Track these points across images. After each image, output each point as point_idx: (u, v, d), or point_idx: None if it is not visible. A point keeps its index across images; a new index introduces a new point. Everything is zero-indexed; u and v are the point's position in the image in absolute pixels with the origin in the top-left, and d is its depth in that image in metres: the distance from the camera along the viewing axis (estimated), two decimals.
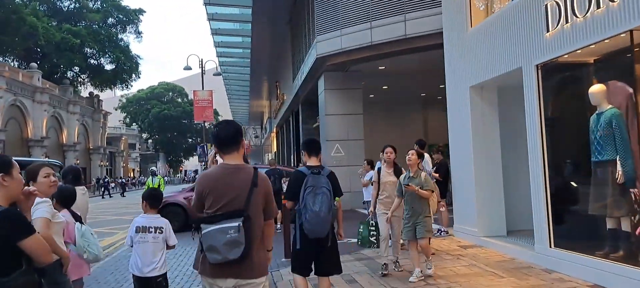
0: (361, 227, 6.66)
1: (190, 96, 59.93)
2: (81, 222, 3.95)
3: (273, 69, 30.28)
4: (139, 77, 57.00)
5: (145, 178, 35.93)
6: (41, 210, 3.02)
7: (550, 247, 6.29)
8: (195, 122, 35.01)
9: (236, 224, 2.73)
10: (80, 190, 4.45)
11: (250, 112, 49.75)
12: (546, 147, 6.42)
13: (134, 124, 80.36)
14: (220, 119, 79.70)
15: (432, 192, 6.18)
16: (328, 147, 15.29)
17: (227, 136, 2.98)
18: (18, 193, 2.52)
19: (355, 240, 6.95)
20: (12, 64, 43.09)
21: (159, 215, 4.57)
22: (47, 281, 2.56)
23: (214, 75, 28.92)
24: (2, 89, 33.84)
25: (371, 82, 15.93)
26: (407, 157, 6.18)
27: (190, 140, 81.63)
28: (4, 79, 34.07)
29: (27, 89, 38.72)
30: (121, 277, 7.50)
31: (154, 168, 20.60)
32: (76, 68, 51.62)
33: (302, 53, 19.05)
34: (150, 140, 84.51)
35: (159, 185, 17.50)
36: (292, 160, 26.12)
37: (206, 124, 30.75)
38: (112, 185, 46.19)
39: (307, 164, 4.40)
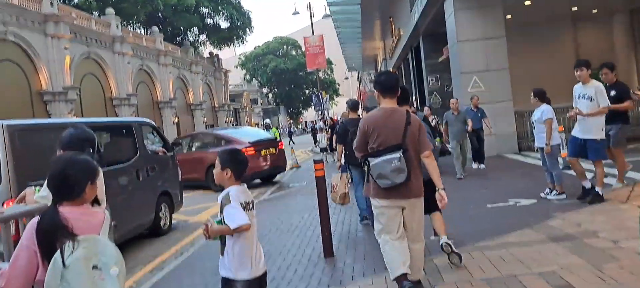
0: None
1: (304, 48, 59.34)
2: None
3: (385, 3, 27.44)
4: (252, 32, 57.51)
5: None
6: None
7: None
8: (307, 70, 33.71)
9: (398, 155, 3.39)
10: None
11: (363, 56, 47.41)
12: None
13: (253, 79, 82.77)
14: (333, 67, 78.71)
15: None
16: (463, 82, 12.67)
17: (388, 81, 3.65)
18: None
19: None
20: (136, 30, 45.49)
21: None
22: None
23: (322, 17, 27.02)
24: (129, 54, 35.60)
25: None
26: None
27: (307, 91, 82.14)
28: (129, 45, 35.76)
29: (152, 52, 40.55)
30: None
31: (267, 120, 19.61)
32: (195, 29, 53.33)
33: None
34: (270, 94, 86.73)
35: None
36: (414, 103, 23.58)
37: (320, 73, 29.30)
38: None
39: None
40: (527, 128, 13.37)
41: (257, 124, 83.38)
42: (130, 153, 6.66)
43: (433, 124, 10.27)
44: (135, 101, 36.18)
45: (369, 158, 3.49)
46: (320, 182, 5.22)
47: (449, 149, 11.08)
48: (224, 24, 54.19)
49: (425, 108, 10.70)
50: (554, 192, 6.72)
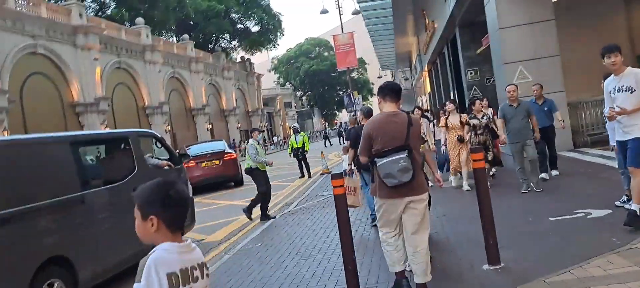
0: None
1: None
2: None
3: None
4: (283, 35, 57.03)
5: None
6: None
7: None
8: (337, 69, 32.68)
9: (404, 155, 3.57)
10: None
11: (396, 54, 45.88)
12: None
13: (286, 83, 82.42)
14: (367, 66, 77.40)
15: None
16: (507, 73, 11.34)
17: (389, 87, 3.91)
18: None
19: None
20: (167, 38, 45.65)
21: None
22: None
23: (352, 14, 25.97)
24: (159, 63, 35.57)
25: None
26: None
27: (340, 92, 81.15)
28: (160, 53, 35.71)
29: (183, 60, 40.50)
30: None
31: (295, 124, 18.70)
32: (226, 34, 53.27)
33: None
34: (304, 97, 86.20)
35: (303, 144, 15.48)
36: (451, 97, 22.16)
37: (353, 73, 28.27)
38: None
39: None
40: (582, 120, 11.91)
41: (291, 127, 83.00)
42: (126, 170, 5.81)
43: (484, 121, 8.11)
44: (167, 109, 36.12)
45: (376, 160, 3.68)
46: (341, 203, 4.16)
47: (501, 154, 8.79)
48: (255, 28, 54.00)
49: (448, 103, 8.73)
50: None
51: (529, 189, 7.15)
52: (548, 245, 4.71)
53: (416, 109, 9.36)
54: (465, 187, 8.22)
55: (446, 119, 8.45)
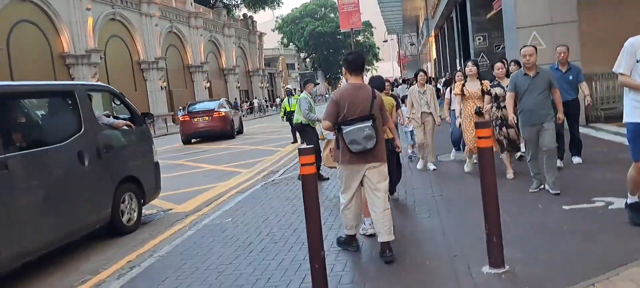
0: None
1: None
2: None
3: None
4: None
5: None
6: None
7: None
8: (340, 30, 31.38)
9: (369, 123, 3.79)
10: None
11: (403, 17, 44.22)
12: None
13: (290, 43, 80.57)
14: (374, 30, 75.45)
15: None
16: (519, 38, 10.32)
17: (355, 61, 4.06)
18: None
19: None
20: None
21: None
22: None
23: None
24: (156, 16, 34.25)
25: None
26: None
27: None
28: (157, 6, 34.34)
29: (182, 14, 39.08)
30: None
31: (289, 86, 17.82)
32: None
33: None
34: (307, 59, 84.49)
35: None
36: (458, 66, 21.08)
37: (359, 36, 27.17)
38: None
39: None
40: (596, 94, 10.94)
41: (294, 89, 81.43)
42: (69, 130, 4.95)
43: (492, 93, 6.30)
44: (164, 65, 35.05)
45: (343, 127, 3.84)
46: (310, 185, 3.30)
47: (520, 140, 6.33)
48: None
49: (470, 64, 7.03)
50: None
51: (540, 188, 5.51)
52: (563, 244, 3.88)
53: (421, 73, 7.88)
54: (468, 168, 7.15)
55: (463, 85, 6.87)
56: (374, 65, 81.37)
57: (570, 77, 6.60)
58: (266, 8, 57.69)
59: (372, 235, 4.41)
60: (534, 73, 5.37)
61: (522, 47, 6.06)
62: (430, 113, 7.55)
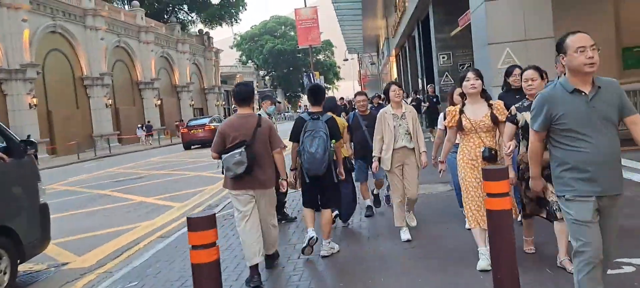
0: None
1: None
2: None
3: None
4: (246, 9, 53.64)
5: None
6: None
7: None
8: (298, 46, 30.28)
9: (240, 149, 3.96)
10: None
11: (364, 37, 43.77)
12: None
13: (249, 61, 79.07)
14: (334, 49, 75.10)
15: None
16: (492, 54, 9.36)
17: (240, 93, 4.23)
18: None
19: None
20: (116, 4, 41.89)
21: None
22: None
23: None
24: (102, 29, 32.12)
25: None
26: None
27: (306, 73, 78.78)
28: (103, 19, 32.24)
29: (131, 28, 37.04)
30: None
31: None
32: (184, 5, 49.71)
33: None
34: (267, 77, 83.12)
35: None
36: (421, 86, 20.24)
37: (319, 55, 26.13)
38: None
39: (309, 110, 4.58)
40: None
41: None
42: None
43: (518, 121, 3.69)
44: (110, 81, 32.85)
45: (222, 155, 4.04)
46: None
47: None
48: (215, 0, 50.49)
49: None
50: None
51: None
52: None
53: (394, 86, 4.69)
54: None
55: (460, 109, 4.02)
56: (334, 84, 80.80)
57: None
58: (223, 24, 56.13)
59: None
60: (591, 88, 2.57)
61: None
62: (413, 149, 4.85)
